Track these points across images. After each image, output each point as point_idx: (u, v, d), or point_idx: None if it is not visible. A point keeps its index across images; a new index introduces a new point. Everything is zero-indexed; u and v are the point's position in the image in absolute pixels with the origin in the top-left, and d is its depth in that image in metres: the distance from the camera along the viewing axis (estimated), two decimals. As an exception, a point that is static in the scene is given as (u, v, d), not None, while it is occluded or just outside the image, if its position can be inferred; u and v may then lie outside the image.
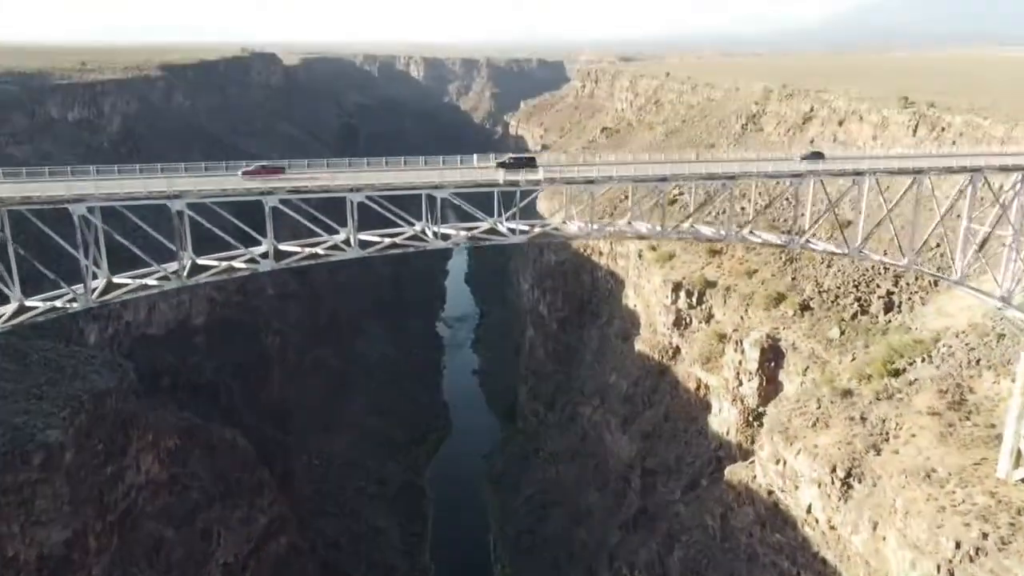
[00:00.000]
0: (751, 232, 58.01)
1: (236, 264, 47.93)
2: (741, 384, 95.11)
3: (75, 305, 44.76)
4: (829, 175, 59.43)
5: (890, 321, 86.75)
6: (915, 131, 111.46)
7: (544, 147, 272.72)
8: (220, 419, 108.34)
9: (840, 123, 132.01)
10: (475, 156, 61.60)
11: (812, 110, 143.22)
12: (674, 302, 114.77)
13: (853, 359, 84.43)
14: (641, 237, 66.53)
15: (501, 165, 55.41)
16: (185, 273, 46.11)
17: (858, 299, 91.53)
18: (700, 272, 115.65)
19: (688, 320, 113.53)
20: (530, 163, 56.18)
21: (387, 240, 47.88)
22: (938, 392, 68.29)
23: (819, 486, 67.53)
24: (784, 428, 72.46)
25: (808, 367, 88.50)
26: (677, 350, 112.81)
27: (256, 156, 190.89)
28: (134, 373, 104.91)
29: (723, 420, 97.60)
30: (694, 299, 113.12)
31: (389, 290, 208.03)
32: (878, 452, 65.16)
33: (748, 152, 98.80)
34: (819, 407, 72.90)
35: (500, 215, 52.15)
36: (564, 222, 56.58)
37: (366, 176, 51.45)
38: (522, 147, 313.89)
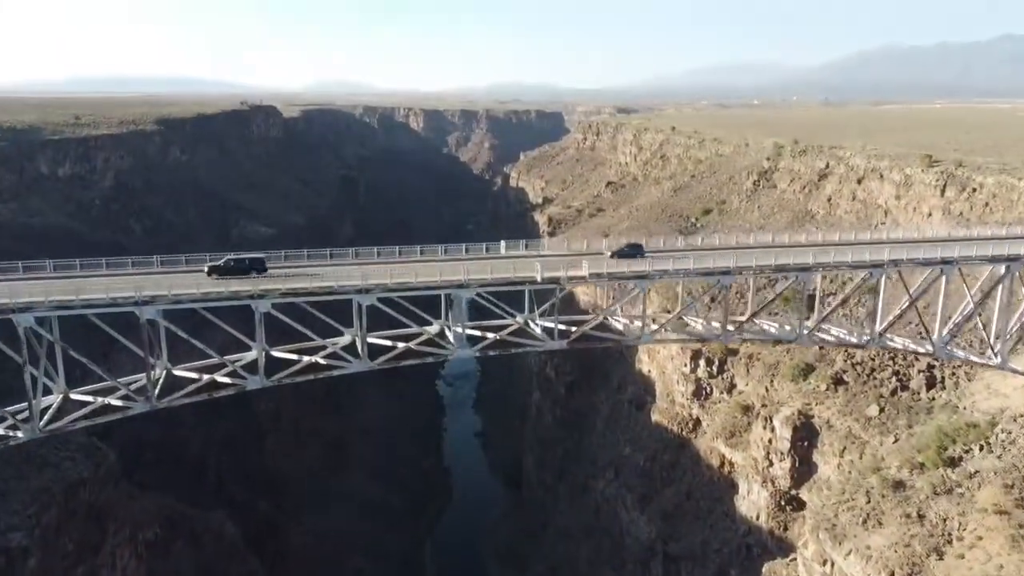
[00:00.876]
0: (821, 331, 52.97)
1: (220, 378, 41.50)
2: (771, 464, 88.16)
3: (19, 435, 38.08)
4: (915, 264, 54.79)
5: (934, 399, 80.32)
6: (943, 192, 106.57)
7: (546, 200, 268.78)
8: (208, 497, 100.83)
9: (859, 181, 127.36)
10: (502, 243, 56.47)
11: (828, 167, 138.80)
12: (693, 371, 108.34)
13: (896, 440, 77.81)
14: (702, 340, 60.45)
15: (617, 255, 56.30)
16: (157, 391, 39.66)
17: (896, 373, 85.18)
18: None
19: (709, 390, 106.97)
20: (638, 251, 56.89)
21: (400, 345, 41.81)
22: (1004, 487, 61.50)
23: (874, 593, 60.31)
24: (831, 524, 65.43)
25: (846, 448, 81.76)
26: (697, 422, 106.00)
27: (254, 211, 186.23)
28: (114, 455, 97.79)
29: (752, 503, 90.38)
30: (714, 368, 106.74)
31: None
32: (940, 556, 58.26)
33: (808, 233, 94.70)
34: (868, 501, 65.99)
35: (532, 311, 46.22)
36: (606, 318, 50.89)
37: (376, 273, 46.28)
38: (523, 200, 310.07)
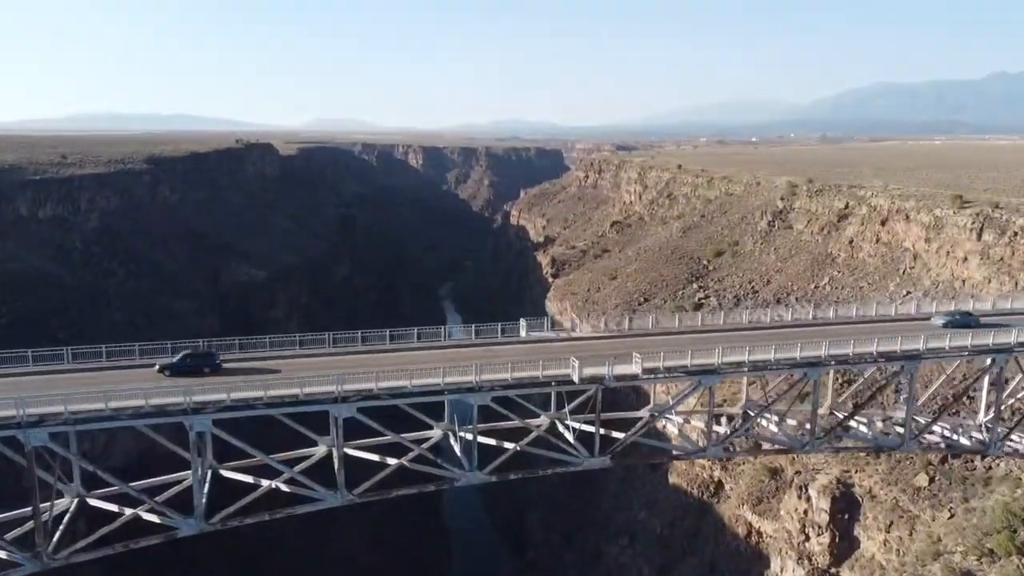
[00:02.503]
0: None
1: (143, 514, 33.85)
2: (808, 538, 79.73)
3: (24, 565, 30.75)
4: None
5: (991, 468, 72.31)
6: (980, 235, 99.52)
7: (548, 239, 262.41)
8: (184, 572, 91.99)
9: (883, 223, 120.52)
10: (522, 323, 49.47)
11: (847, 207, 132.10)
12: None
13: (952, 516, 69.66)
14: (784, 451, 53.00)
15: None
16: (50, 549, 31.73)
17: (945, 438, 77.07)
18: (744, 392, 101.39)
19: (731, 449, 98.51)
20: None
21: (391, 462, 34.55)
22: (1094, 582, 53.49)
23: None
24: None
25: (893, 522, 73.47)
26: (720, 486, 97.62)
27: (246, 253, 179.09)
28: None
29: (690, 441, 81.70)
30: (737, 423, 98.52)
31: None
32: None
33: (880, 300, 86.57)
34: None
35: (563, 406, 38.81)
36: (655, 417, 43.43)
37: (358, 375, 38.47)
38: (523, 238, 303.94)
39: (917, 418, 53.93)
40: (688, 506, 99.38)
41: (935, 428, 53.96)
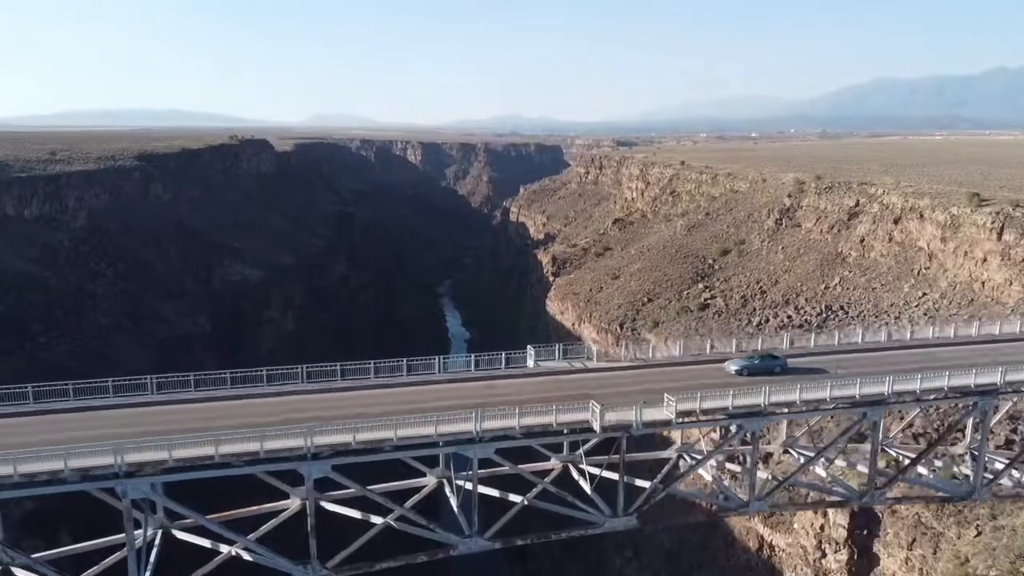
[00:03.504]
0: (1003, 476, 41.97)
1: None
2: (824, 555, 75.96)
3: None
4: None
5: (1021, 483, 68.46)
6: (1000, 235, 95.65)
7: (548, 236, 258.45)
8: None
9: (896, 221, 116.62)
10: (530, 352, 45.50)
11: (858, 205, 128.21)
12: (723, 435, 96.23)
13: (979, 534, 65.94)
14: (839, 504, 49.22)
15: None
16: None
17: (973, 451, 73.28)
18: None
19: (741, 459, 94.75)
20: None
21: (376, 521, 30.69)
22: None
23: None
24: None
25: (915, 539, 69.64)
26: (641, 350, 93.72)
27: (241, 252, 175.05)
28: (70, 540, 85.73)
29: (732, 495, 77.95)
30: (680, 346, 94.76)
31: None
32: None
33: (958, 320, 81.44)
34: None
35: (578, 447, 34.89)
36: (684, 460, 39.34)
37: (332, 429, 33.31)
38: (523, 235, 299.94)
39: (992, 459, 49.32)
40: (696, 519, 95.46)
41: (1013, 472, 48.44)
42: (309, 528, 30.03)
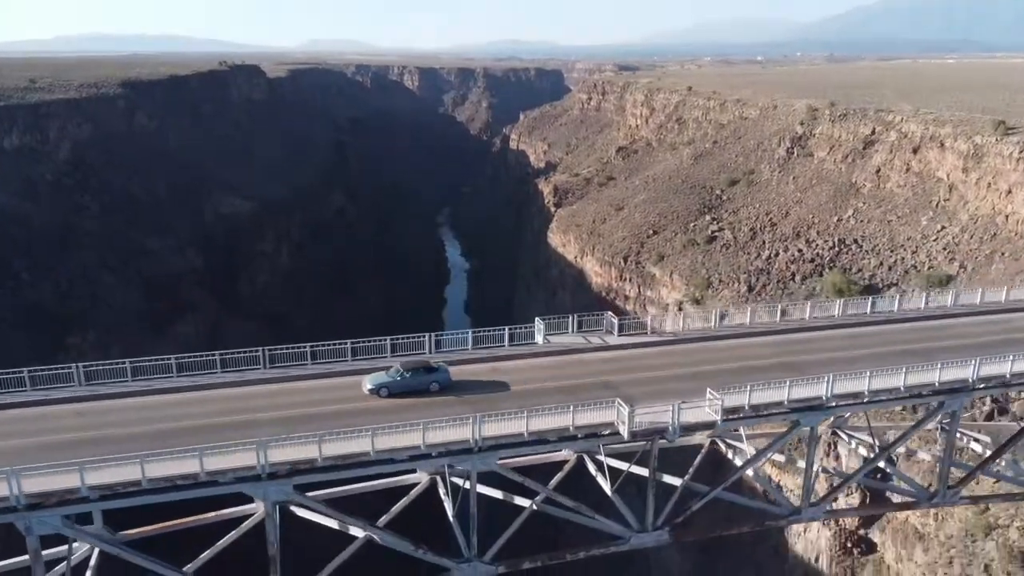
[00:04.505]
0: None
1: None
2: (836, 499, 73.68)
3: None
4: None
5: (1044, 428, 65.68)
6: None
7: (549, 165, 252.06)
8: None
9: (915, 151, 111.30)
10: (538, 325, 41.12)
11: (874, 133, 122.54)
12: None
13: (997, 481, 63.49)
14: (905, 506, 45.38)
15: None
16: None
17: (995, 400, 70.30)
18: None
19: (834, 509, 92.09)
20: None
21: (359, 535, 27.03)
22: None
23: None
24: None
25: (930, 483, 67.34)
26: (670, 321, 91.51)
27: (232, 184, 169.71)
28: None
29: (810, 541, 76.38)
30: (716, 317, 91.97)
31: (381, 334, 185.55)
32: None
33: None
34: (987, 572, 51.64)
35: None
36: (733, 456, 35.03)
37: (291, 443, 28.22)
38: (524, 164, 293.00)
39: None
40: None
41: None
42: (270, 555, 26.20)
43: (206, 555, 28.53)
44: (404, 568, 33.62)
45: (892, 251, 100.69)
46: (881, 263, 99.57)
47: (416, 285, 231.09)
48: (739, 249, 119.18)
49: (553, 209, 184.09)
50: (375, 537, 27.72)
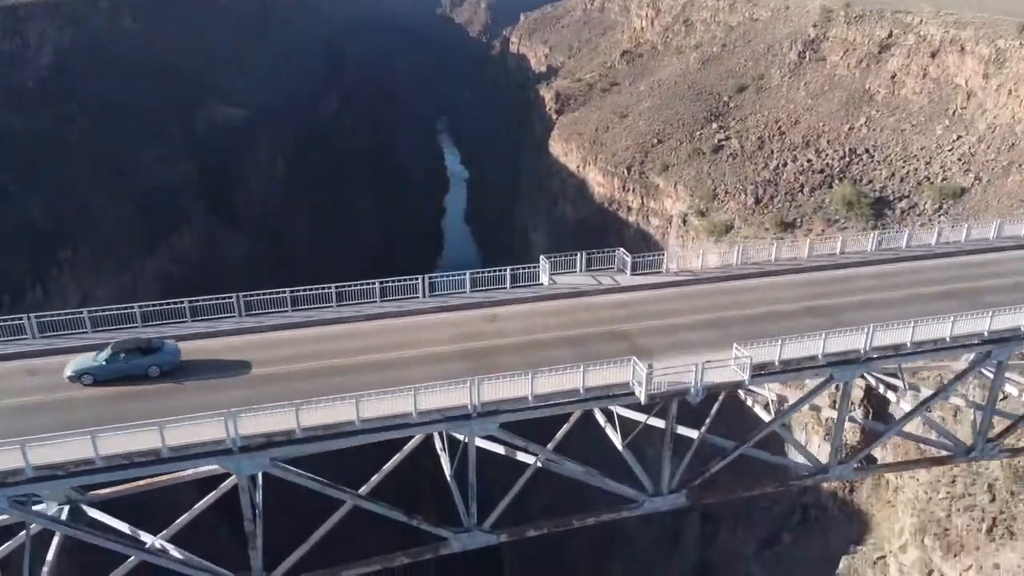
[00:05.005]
0: None
1: None
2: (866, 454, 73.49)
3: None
4: None
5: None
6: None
7: (551, 69, 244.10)
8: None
9: (933, 55, 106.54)
10: (543, 263, 38.48)
11: (891, 36, 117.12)
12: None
13: (1005, 398, 62.91)
14: (939, 461, 43.55)
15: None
16: None
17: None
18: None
19: (863, 466, 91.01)
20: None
21: (345, 500, 25.06)
22: None
23: (1004, 627, 46.84)
24: (943, 530, 51.14)
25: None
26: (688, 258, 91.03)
27: (222, 91, 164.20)
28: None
29: (809, 455, 76.49)
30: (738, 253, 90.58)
31: (379, 245, 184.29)
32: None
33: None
34: (993, 499, 51.40)
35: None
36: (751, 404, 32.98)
37: (264, 414, 25.48)
38: (524, 68, 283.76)
39: None
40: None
41: None
42: (247, 531, 24.81)
43: (182, 520, 27.08)
44: (399, 533, 31.78)
45: (905, 161, 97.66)
46: (893, 174, 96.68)
47: (414, 194, 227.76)
48: (746, 159, 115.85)
49: (554, 116, 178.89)
50: (365, 506, 26.40)
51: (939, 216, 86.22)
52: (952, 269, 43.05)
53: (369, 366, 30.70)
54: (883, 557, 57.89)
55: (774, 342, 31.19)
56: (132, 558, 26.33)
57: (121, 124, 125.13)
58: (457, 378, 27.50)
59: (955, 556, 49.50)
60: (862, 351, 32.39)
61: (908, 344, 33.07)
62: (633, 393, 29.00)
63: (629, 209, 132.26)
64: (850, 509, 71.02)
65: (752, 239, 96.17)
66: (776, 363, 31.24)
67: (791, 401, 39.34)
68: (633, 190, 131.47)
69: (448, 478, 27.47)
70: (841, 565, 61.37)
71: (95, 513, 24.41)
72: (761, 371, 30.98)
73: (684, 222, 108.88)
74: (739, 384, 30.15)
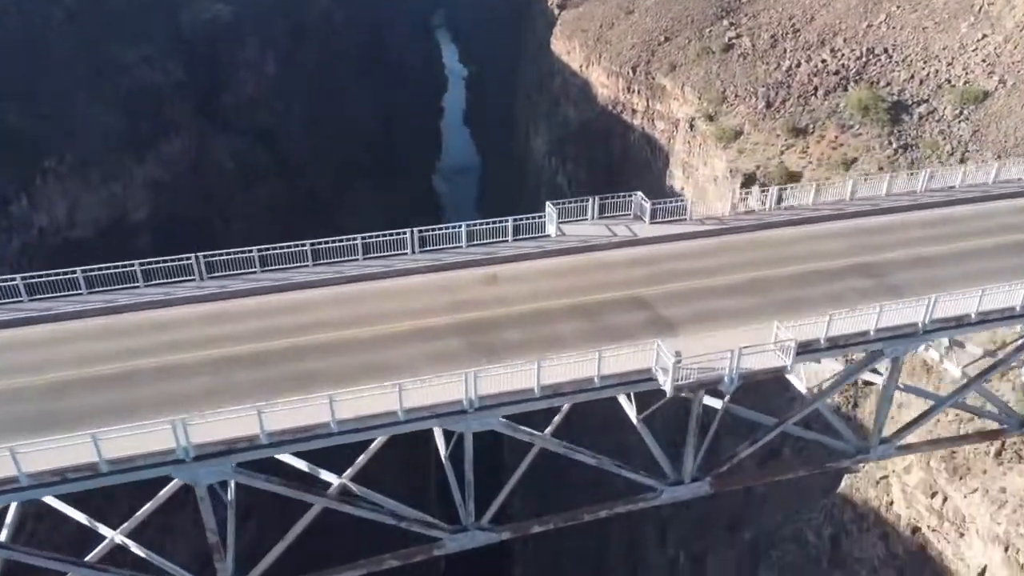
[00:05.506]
0: None
1: None
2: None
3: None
4: None
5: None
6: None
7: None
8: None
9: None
10: (550, 211, 35.23)
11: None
12: (743, 199, 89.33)
13: None
14: (991, 435, 41.00)
15: None
16: None
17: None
18: (778, 159, 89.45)
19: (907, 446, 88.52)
20: None
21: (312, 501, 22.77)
22: None
23: (1006, 549, 46.72)
24: (949, 453, 50.48)
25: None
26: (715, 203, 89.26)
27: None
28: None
29: (814, 371, 75.76)
30: (770, 198, 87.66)
31: (378, 145, 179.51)
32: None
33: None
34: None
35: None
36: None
37: (230, 416, 22.49)
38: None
39: None
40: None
41: None
42: (211, 543, 22.73)
43: (143, 512, 25.27)
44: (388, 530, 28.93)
45: (925, 62, 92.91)
46: (912, 76, 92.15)
47: (412, 94, 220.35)
48: (757, 59, 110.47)
49: (557, 12, 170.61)
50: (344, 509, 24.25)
51: (959, 122, 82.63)
52: (1016, 214, 38.45)
53: (349, 344, 27.40)
54: (886, 477, 57.65)
55: (821, 319, 27.81)
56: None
57: (103, 23, 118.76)
58: (452, 357, 24.87)
59: (961, 479, 49.11)
60: (921, 325, 29.08)
61: (973, 315, 29.60)
62: (654, 379, 25.97)
63: (634, 112, 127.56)
64: (853, 426, 70.69)
65: (762, 145, 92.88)
66: (822, 341, 28.03)
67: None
68: (638, 92, 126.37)
69: (443, 458, 25.06)
70: (843, 483, 61.37)
71: (53, 502, 22.53)
72: (805, 350, 27.93)
73: (691, 127, 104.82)
74: (781, 370, 27.02)
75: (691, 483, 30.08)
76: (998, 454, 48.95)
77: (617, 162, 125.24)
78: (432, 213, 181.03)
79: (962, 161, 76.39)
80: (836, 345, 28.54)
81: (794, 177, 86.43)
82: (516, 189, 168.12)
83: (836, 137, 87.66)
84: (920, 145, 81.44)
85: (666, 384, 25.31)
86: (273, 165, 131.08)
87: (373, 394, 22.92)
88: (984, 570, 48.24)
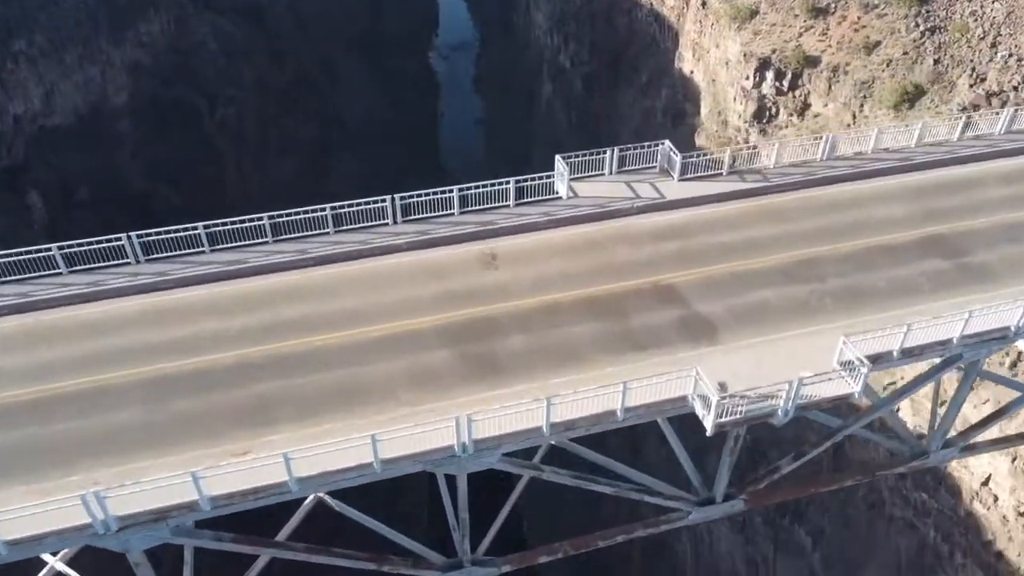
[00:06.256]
0: None
1: None
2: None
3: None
4: None
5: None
6: None
7: None
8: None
9: None
10: (560, 167, 30.23)
11: None
12: (757, 84, 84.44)
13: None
14: None
15: None
16: None
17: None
18: (796, 43, 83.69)
19: (774, 111, 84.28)
20: None
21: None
22: None
23: (1013, 460, 45.90)
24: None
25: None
26: (756, 154, 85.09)
27: None
28: (40, 203, 79.94)
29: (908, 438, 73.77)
30: (785, 82, 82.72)
31: (369, 20, 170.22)
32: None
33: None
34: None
35: None
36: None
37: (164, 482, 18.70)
38: None
39: None
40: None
41: None
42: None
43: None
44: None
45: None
46: None
47: (406, 18, 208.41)
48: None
49: None
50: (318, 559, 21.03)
51: (992, 1, 76.50)
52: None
53: (314, 357, 22.57)
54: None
55: (895, 330, 23.03)
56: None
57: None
58: (440, 376, 20.84)
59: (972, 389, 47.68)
60: (1014, 328, 24.28)
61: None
62: (695, 409, 21.78)
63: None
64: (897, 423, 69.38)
65: (779, 27, 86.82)
66: (895, 354, 23.60)
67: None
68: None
69: (443, 499, 21.21)
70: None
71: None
72: (875, 365, 23.25)
73: (703, 4, 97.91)
74: (846, 397, 22.49)
75: (723, 502, 26.35)
76: None
77: (622, 42, 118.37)
78: (431, 93, 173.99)
79: (992, 46, 71.36)
80: (910, 355, 24.46)
81: (812, 62, 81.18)
82: (517, 68, 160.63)
83: (859, 18, 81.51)
84: (949, 27, 75.70)
85: (706, 420, 21.26)
86: (259, 45, 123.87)
87: (340, 448, 18.96)
88: (988, 479, 47.67)
